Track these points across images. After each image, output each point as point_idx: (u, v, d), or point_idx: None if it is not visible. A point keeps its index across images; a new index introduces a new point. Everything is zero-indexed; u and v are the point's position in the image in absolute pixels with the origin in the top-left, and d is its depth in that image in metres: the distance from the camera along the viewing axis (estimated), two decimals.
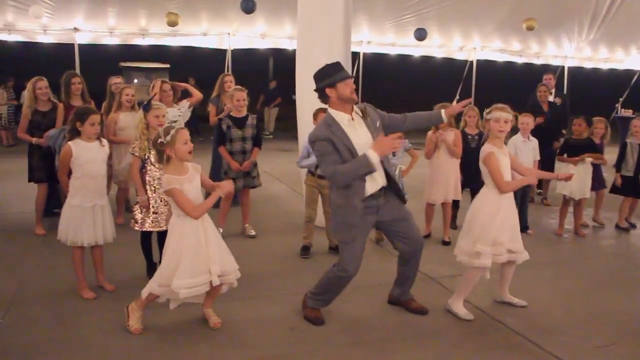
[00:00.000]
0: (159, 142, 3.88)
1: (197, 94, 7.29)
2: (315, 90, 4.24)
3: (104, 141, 4.74)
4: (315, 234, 6.06)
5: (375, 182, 4.16)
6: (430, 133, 6.51)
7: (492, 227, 4.36)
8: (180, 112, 6.80)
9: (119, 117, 6.73)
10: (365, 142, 4.09)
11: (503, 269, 4.70)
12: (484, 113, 4.54)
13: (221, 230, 6.33)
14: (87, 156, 4.50)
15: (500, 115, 4.38)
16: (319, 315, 4.38)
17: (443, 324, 4.40)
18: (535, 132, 7.09)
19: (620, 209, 7.43)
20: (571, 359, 3.91)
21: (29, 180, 6.59)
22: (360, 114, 4.22)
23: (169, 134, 3.85)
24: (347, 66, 6.98)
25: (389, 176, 4.25)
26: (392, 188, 4.29)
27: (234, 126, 6.28)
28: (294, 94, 7.09)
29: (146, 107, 4.90)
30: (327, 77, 4.14)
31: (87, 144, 4.53)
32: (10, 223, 6.96)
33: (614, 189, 7.36)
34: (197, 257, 3.92)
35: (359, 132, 4.14)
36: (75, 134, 4.52)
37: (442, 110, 4.38)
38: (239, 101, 6.30)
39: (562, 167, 7.01)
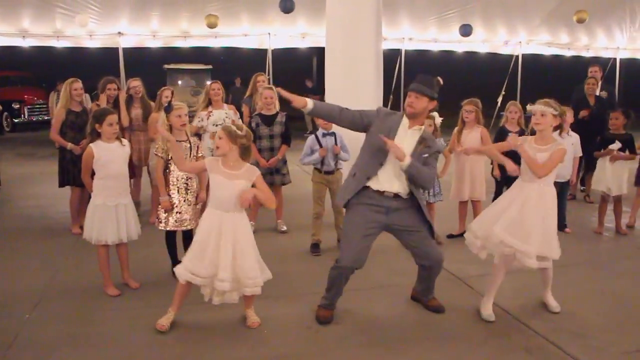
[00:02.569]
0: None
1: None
2: None
3: (125, 141, 4.83)
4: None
5: (379, 184, 4.13)
6: (455, 130, 6.39)
7: (490, 215, 4.35)
8: (227, 116, 6.80)
9: (159, 117, 6.82)
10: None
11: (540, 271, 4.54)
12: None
13: (253, 224, 6.39)
14: (108, 156, 4.60)
15: (532, 108, 4.33)
16: (326, 315, 4.32)
17: (464, 325, 4.30)
18: (580, 127, 6.84)
19: None
20: None
21: (59, 185, 6.70)
22: (419, 139, 4.14)
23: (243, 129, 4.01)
24: (379, 64, 6.95)
25: (411, 189, 4.17)
26: (415, 199, 4.21)
27: (262, 124, 6.34)
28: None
29: (167, 108, 4.96)
30: None
31: (107, 145, 4.63)
32: (52, 222, 7.18)
33: None
34: (202, 253, 3.95)
35: (404, 142, 4.11)
36: (95, 135, 4.62)
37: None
38: (267, 99, 6.35)
39: (600, 163, 6.74)
